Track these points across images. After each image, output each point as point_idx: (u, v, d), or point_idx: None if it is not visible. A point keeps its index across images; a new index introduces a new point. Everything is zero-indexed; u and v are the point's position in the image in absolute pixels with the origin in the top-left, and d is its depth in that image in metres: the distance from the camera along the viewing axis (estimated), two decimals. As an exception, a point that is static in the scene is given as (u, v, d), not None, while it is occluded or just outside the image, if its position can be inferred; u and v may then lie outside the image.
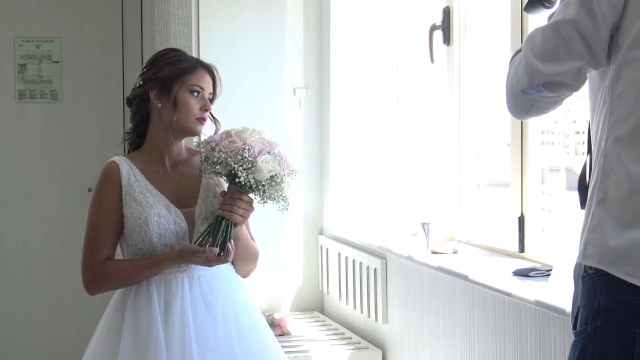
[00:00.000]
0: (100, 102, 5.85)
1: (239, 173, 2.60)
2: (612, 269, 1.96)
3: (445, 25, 3.89)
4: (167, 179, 2.82)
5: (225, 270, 2.79)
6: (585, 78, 2.08)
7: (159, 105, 2.79)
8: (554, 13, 2.11)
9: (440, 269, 3.43)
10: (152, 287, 2.71)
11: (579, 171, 2.17)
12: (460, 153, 3.92)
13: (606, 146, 2.00)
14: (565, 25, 2.02)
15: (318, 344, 4.16)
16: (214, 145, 2.64)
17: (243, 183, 2.62)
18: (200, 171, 2.79)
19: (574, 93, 2.12)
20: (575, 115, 3.43)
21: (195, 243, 2.68)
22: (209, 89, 2.82)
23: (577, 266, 2.06)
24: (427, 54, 3.95)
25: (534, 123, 3.28)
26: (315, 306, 4.77)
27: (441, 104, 4.03)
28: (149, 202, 2.74)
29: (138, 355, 2.65)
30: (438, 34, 3.92)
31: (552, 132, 3.51)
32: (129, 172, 2.78)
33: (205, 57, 3.13)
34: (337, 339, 4.25)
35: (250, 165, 2.60)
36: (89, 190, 5.47)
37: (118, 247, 2.81)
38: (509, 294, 2.94)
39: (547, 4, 2.26)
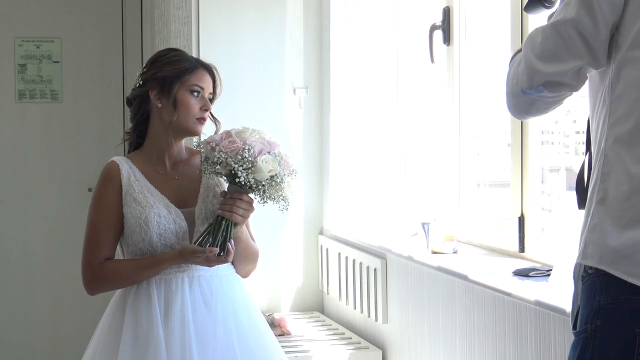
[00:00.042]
0: (100, 102, 5.85)
1: (239, 173, 2.60)
2: (612, 269, 1.96)
3: (445, 25, 3.89)
4: (167, 179, 2.82)
5: (225, 270, 2.79)
6: (586, 78, 2.08)
7: (159, 105, 2.79)
8: (554, 13, 2.11)
9: (440, 269, 3.43)
10: (152, 287, 2.72)
11: (578, 171, 2.17)
12: (460, 153, 3.92)
13: (606, 146, 2.00)
14: (565, 25, 2.02)
15: (318, 344, 4.16)
16: (214, 145, 2.64)
17: (243, 183, 2.62)
18: (200, 171, 2.79)
19: (574, 93, 2.12)
20: (575, 115, 3.43)
21: (195, 243, 2.68)
22: (209, 89, 2.82)
23: (577, 266, 2.06)
24: (427, 54, 3.95)
25: (534, 123, 3.28)
26: (315, 306, 4.77)
27: (441, 104, 4.03)
28: (149, 202, 2.74)
29: (138, 355, 2.65)
30: (438, 34, 3.92)
31: (552, 132, 3.51)
32: (129, 172, 2.78)
33: (205, 57, 3.13)
34: (337, 339, 4.25)
35: (250, 165, 2.60)
36: (89, 190, 5.47)
37: (118, 247, 2.81)
38: (509, 294, 2.94)
39: (547, 4, 2.26)
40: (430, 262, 3.51)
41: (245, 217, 2.70)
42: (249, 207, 2.69)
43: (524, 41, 2.15)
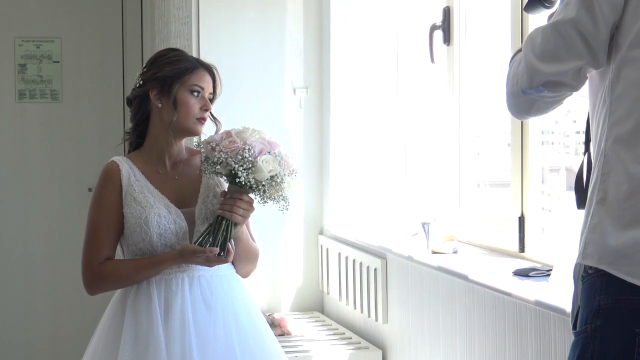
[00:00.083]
0: (100, 102, 5.85)
1: (239, 173, 2.60)
2: (612, 269, 1.96)
3: (446, 25, 3.89)
4: (167, 179, 2.82)
5: (225, 270, 2.79)
6: (586, 78, 2.08)
7: (159, 105, 2.79)
8: (554, 13, 2.11)
9: (440, 269, 3.43)
10: (152, 287, 2.72)
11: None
12: (461, 153, 3.92)
13: (606, 146, 2.00)
14: (565, 25, 2.02)
15: (318, 344, 4.16)
16: (214, 145, 2.64)
17: (243, 183, 2.62)
18: (200, 171, 2.79)
19: (574, 93, 2.12)
20: (575, 115, 3.43)
21: (195, 243, 2.68)
22: (209, 88, 2.82)
23: (577, 266, 2.06)
24: (427, 54, 3.95)
25: (534, 123, 3.28)
26: (316, 306, 4.77)
27: (441, 104, 4.03)
28: (149, 202, 2.74)
29: (138, 355, 2.65)
30: (438, 34, 3.92)
31: (552, 132, 3.51)
32: (129, 172, 2.78)
33: (205, 57, 3.13)
34: (337, 339, 4.25)
35: (250, 165, 2.60)
36: (89, 190, 5.48)
37: (118, 247, 2.81)
38: (509, 294, 2.94)
39: (547, 4, 2.26)
40: (431, 262, 3.51)
41: (245, 217, 2.70)
42: (249, 207, 2.69)
43: (524, 41, 2.15)
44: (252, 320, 2.80)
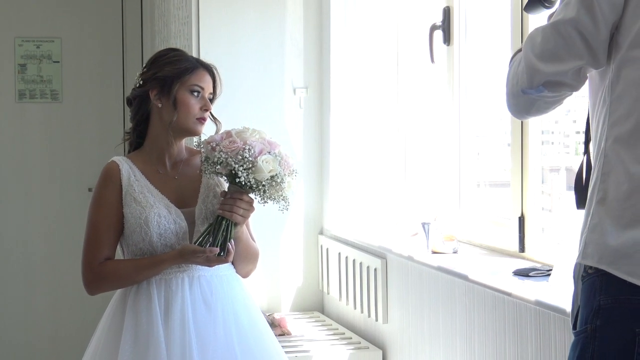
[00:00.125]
0: (100, 102, 5.85)
1: (240, 173, 2.60)
2: (612, 269, 1.96)
3: (446, 25, 3.89)
4: (167, 179, 2.82)
5: (225, 270, 2.79)
6: (586, 78, 2.08)
7: (159, 105, 2.79)
8: (553, 13, 2.11)
9: (440, 269, 3.43)
10: (152, 287, 2.72)
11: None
12: (461, 153, 3.92)
13: (606, 146, 2.00)
14: (565, 25, 2.02)
15: (318, 344, 4.16)
16: (214, 145, 2.64)
17: (243, 183, 2.62)
18: (200, 171, 2.79)
19: (574, 93, 2.12)
20: (575, 115, 3.43)
21: (195, 243, 2.68)
22: (209, 88, 2.82)
23: (577, 266, 2.06)
24: (427, 54, 3.95)
25: (534, 123, 3.28)
26: (316, 306, 4.77)
27: (441, 104, 4.03)
28: (149, 202, 2.74)
29: (138, 355, 2.65)
30: (438, 34, 3.92)
31: (552, 132, 3.51)
32: (129, 172, 2.78)
33: (205, 57, 3.13)
34: (337, 339, 4.25)
35: (250, 165, 2.60)
36: (89, 190, 5.48)
37: (118, 247, 2.81)
38: (509, 294, 2.94)
39: (547, 4, 2.26)
40: (431, 262, 3.51)
41: (245, 217, 2.70)
42: (249, 207, 2.69)
43: (524, 41, 2.15)
44: (252, 320, 2.80)
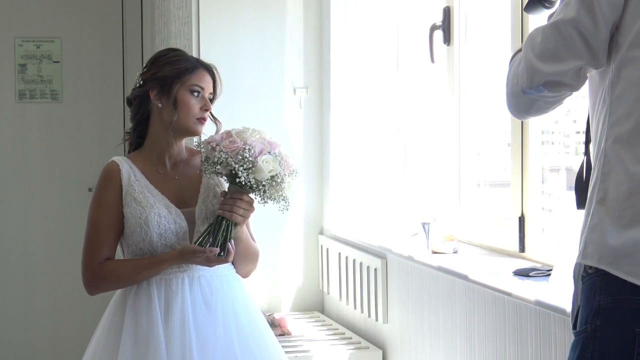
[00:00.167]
0: (100, 102, 5.85)
1: (240, 173, 2.60)
2: (612, 269, 1.96)
3: (446, 25, 3.89)
4: (167, 179, 2.82)
5: (225, 270, 2.79)
6: (586, 78, 2.08)
7: (159, 105, 2.79)
8: (554, 13, 2.11)
9: (440, 269, 3.43)
10: (153, 287, 2.71)
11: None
12: (461, 153, 3.92)
13: (606, 146, 2.00)
14: (565, 25, 2.02)
15: (318, 344, 4.16)
16: (214, 145, 2.64)
17: (243, 183, 2.62)
18: (200, 171, 2.79)
19: (574, 93, 2.12)
20: (575, 115, 3.43)
21: (195, 243, 2.68)
22: (209, 88, 2.82)
23: (577, 266, 2.06)
24: (427, 54, 3.95)
25: (534, 123, 3.28)
26: (316, 306, 4.77)
27: (441, 104, 4.03)
28: (149, 202, 2.74)
29: (138, 355, 2.65)
30: (438, 34, 3.92)
31: (553, 132, 3.51)
32: (129, 172, 2.78)
33: (205, 57, 3.13)
34: (338, 339, 4.25)
35: (250, 165, 2.60)
36: (89, 190, 5.48)
37: (118, 247, 2.81)
38: (509, 294, 2.94)
39: (547, 4, 2.26)
40: (431, 262, 3.51)
41: (245, 217, 2.70)
42: (250, 207, 2.69)
43: (524, 41, 2.15)
44: (252, 320, 2.80)
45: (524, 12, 2.90)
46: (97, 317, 2.90)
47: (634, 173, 1.95)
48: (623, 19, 2.00)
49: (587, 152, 2.12)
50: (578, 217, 2.10)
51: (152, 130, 2.83)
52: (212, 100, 2.83)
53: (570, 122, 3.47)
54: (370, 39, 4.53)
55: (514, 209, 3.38)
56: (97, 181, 2.81)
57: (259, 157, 2.61)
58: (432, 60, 3.94)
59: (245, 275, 2.88)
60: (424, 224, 3.66)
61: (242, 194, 2.67)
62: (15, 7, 5.78)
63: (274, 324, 4.25)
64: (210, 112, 2.82)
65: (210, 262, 2.68)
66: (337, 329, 4.41)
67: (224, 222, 2.67)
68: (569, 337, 2.28)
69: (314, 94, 4.72)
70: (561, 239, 3.24)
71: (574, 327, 2.05)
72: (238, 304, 2.78)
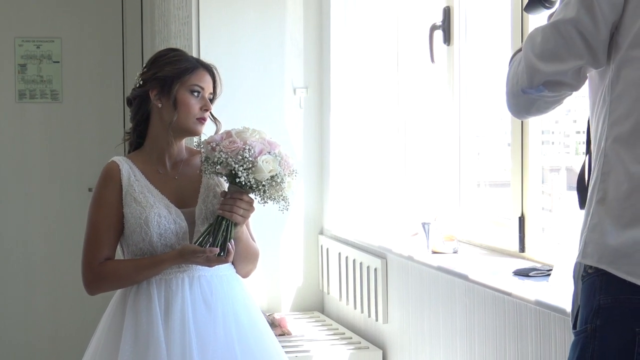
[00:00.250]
0: (100, 102, 5.85)
1: (240, 173, 2.60)
2: (611, 268, 1.96)
3: (446, 25, 3.89)
4: (167, 179, 2.82)
5: (225, 270, 2.79)
6: (586, 77, 2.08)
7: (159, 105, 2.79)
8: (553, 13, 2.11)
9: (440, 269, 3.43)
10: (153, 287, 2.71)
11: (578, 171, 2.17)
12: (461, 153, 3.92)
13: (606, 145, 2.00)
14: (565, 25, 2.02)
15: (318, 344, 4.16)
16: (214, 145, 2.64)
17: (243, 183, 2.62)
18: (200, 171, 2.79)
19: (574, 92, 2.12)
20: (575, 115, 3.43)
21: (195, 243, 2.68)
22: (209, 89, 2.82)
23: (577, 265, 2.06)
24: (427, 54, 3.95)
25: (534, 123, 3.28)
26: (316, 306, 4.77)
27: (441, 104, 4.03)
28: (149, 202, 2.74)
29: (138, 355, 2.65)
30: (438, 34, 3.92)
31: (553, 132, 3.51)
32: (129, 172, 2.78)
33: (205, 57, 3.13)
34: (338, 339, 4.25)
35: (250, 165, 2.60)
36: (89, 190, 5.48)
37: (118, 247, 2.81)
38: (509, 294, 2.94)
39: (547, 4, 2.26)
40: (431, 262, 3.51)
41: (245, 217, 2.70)
42: (249, 207, 2.69)
43: (524, 41, 2.15)
44: (252, 320, 2.80)
45: (524, 12, 2.90)
46: (97, 317, 2.90)
47: (633, 173, 1.95)
48: (623, 19, 2.00)
49: (588, 152, 2.12)
50: (578, 217, 2.10)
51: (152, 130, 2.83)
52: (212, 100, 2.83)
53: (570, 122, 3.47)
54: (370, 39, 4.53)
55: (514, 209, 3.38)
56: (97, 181, 2.81)
57: (258, 157, 2.61)
58: (432, 60, 3.94)
59: (245, 275, 2.88)
60: (424, 224, 3.66)
61: (242, 194, 2.67)
62: (15, 7, 5.78)
63: (274, 324, 4.25)
64: (210, 112, 2.82)
65: (210, 262, 2.67)
66: (337, 329, 4.41)
67: (224, 222, 2.67)
68: (569, 337, 2.28)
69: (314, 94, 4.72)
70: (561, 239, 3.24)
71: (574, 326, 2.05)
72: (238, 304, 2.78)
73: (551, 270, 2.94)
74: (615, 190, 1.98)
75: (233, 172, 2.61)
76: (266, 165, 2.61)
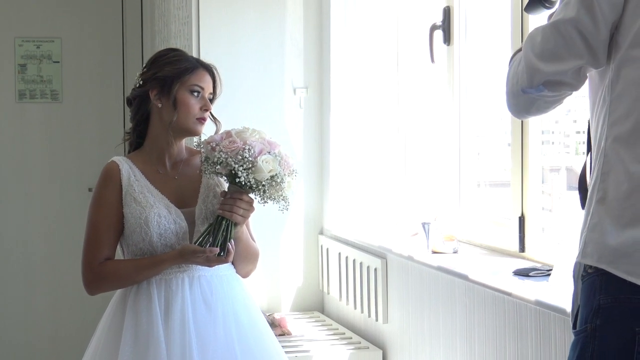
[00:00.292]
0: (100, 102, 5.85)
1: (239, 173, 2.60)
2: (611, 268, 1.96)
3: (446, 25, 3.89)
4: (167, 179, 2.82)
5: (225, 270, 2.79)
6: (585, 77, 2.08)
7: (159, 105, 2.79)
8: (554, 13, 2.11)
9: (440, 269, 3.43)
10: (153, 287, 2.71)
11: (579, 171, 2.17)
12: (461, 153, 3.92)
13: (606, 145, 2.00)
14: (565, 25, 2.02)
15: (318, 344, 4.16)
16: (214, 145, 2.64)
17: (243, 183, 2.61)
18: (200, 171, 2.79)
19: (574, 92, 2.12)
20: (575, 115, 3.43)
21: (195, 243, 2.68)
22: (209, 89, 2.82)
23: (577, 265, 2.06)
24: (427, 54, 3.95)
25: (534, 123, 3.28)
26: (316, 306, 4.77)
27: (441, 104, 4.03)
28: (149, 202, 2.74)
29: (138, 355, 2.65)
30: (438, 34, 3.92)
31: (553, 132, 3.51)
32: (129, 172, 2.78)
33: (205, 57, 3.13)
34: (338, 339, 4.25)
35: (250, 165, 2.60)
36: (89, 190, 5.48)
37: (118, 247, 2.81)
38: (509, 294, 2.94)
39: (547, 4, 2.26)
40: (431, 262, 3.51)
41: (245, 217, 2.70)
42: (249, 207, 2.69)
43: (524, 41, 2.15)
44: (252, 320, 2.80)
45: (524, 12, 2.91)
46: (97, 317, 2.90)
47: (633, 172, 1.96)
48: (623, 19, 2.00)
49: (590, 152, 2.12)
50: (578, 217, 2.10)
51: (152, 130, 2.83)
52: (212, 100, 2.83)
53: (570, 122, 3.47)
54: (370, 39, 4.53)
55: (514, 209, 3.38)
56: (97, 181, 2.81)
57: (258, 157, 2.61)
58: (432, 60, 3.94)
59: (245, 275, 2.88)
60: (424, 224, 3.66)
61: (242, 194, 2.67)
62: (15, 7, 5.78)
63: (274, 324, 4.25)
64: (210, 112, 2.82)
65: (210, 262, 2.67)
66: (337, 329, 4.41)
67: (224, 222, 2.67)
68: (569, 337, 2.28)
69: (314, 94, 4.72)
70: (561, 239, 3.24)
71: (574, 326, 2.05)
72: (238, 304, 2.78)
73: (551, 270, 2.94)
74: (615, 190, 1.98)
75: (233, 172, 2.61)
76: (266, 165, 2.61)
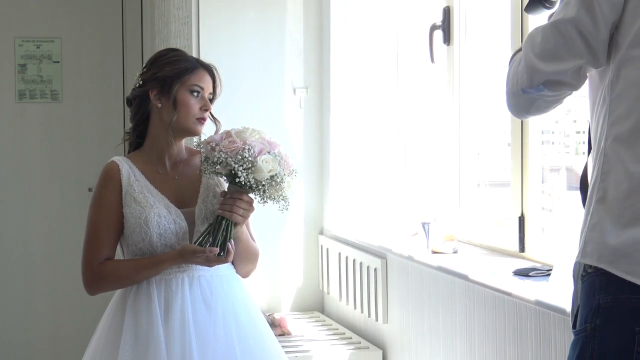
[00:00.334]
0: (100, 102, 5.85)
1: (239, 173, 2.60)
2: (611, 268, 1.96)
3: (446, 25, 3.89)
4: (167, 179, 2.82)
5: (225, 270, 2.79)
6: (586, 77, 2.09)
7: (159, 105, 2.79)
8: (554, 13, 2.11)
9: (440, 269, 3.43)
10: (152, 287, 2.71)
11: (579, 171, 2.18)
12: (461, 153, 3.92)
13: (605, 145, 2.00)
14: (565, 24, 2.02)
15: (318, 344, 4.16)
16: (214, 145, 2.64)
17: (243, 183, 2.62)
18: (200, 171, 2.79)
19: (574, 92, 2.12)
20: (575, 115, 3.43)
21: (195, 243, 2.68)
22: (209, 89, 2.82)
23: (577, 265, 2.06)
24: (427, 54, 3.95)
25: (534, 123, 3.28)
26: (316, 306, 4.77)
27: (441, 103, 4.03)
28: (149, 202, 2.74)
29: (138, 355, 2.65)
30: (438, 34, 3.92)
31: (553, 132, 3.51)
32: (129, 172, 2.78)
33: (205, 57, 3.13)
34: (338, 339, 4.25)
35: (250, 165, 2.60)
36: (89, 190, 5.48)
37: (118, 247, 2.81)
38: (509, 294, 2.94)
39: (547, 4, 2.26)
40: (431, 262, 3.51)
41: (245, 217, 2.70)
42: (249, 207, 2.69)
43: (524, 41, 2.15)
44: (252, 320, 2.80)
45: (524, 12, 2.91)
46: (97, 317, 2.90)
47: (633, 172, 1.96)
48: (623, 19, 2.00)
49: (590, 151, 2.12)
50: (578, 217, 2.10)
51: (152, 130, 2.83)
52: (211, 100, 2.83)
53: (570, 122, 3.47)
54: (370, 39, 4.53)
55: (514, 208, 3.38)
56: (97, 181, 2.81)
57: (258, 157, 2.61)
58: (432, 60, 3.94)
59: (245, 275, 2.88)
60: (424, 224, 3.66)
61: (241, 193, 2.67)
62: (15, 7, 5.78)
63: (274, 324, 4.25)
64: (210, 112, 2.82)
65: (210, 262, 2.68)
66: (337, 329, 4.41)
67: (224, 222, 2.67)
68: (569, 337, 2.28)
69: (314, 94, 4.72)
70: (561, 239, 3.24)
71: (574, 326, 2.05)
72: (238, 304, 2.78)
73: (551, 270, 2.94)
74: (615, 190, 1.98)
75: (233, 172, 2.61)
76: (266, 165, 2.61)
